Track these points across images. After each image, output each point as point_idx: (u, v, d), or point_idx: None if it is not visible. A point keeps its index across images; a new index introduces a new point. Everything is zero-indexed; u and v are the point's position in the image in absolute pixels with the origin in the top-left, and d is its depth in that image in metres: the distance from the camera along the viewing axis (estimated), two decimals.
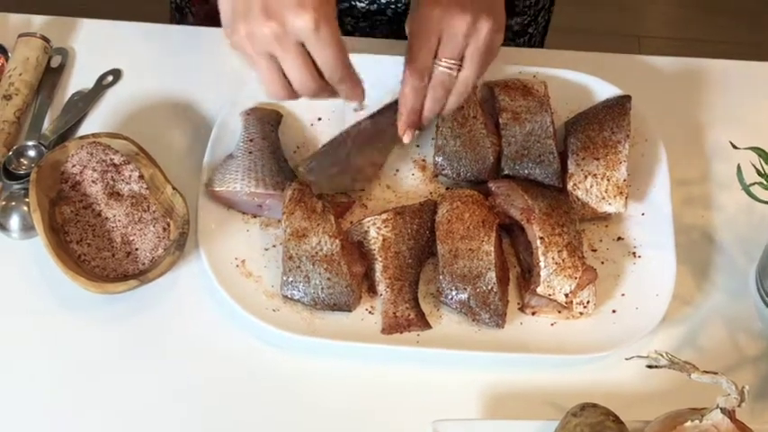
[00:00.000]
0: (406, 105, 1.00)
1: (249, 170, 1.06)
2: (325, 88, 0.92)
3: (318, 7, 0.86)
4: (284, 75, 0.90)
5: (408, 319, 1.00)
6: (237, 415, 0.97)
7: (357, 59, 0.94)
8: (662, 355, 0.87)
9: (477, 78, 1.00)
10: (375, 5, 1.24)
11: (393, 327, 1.00)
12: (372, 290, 1.03)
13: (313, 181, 1.05)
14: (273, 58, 0.89)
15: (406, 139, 1.02)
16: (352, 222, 1.06)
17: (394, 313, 1.00)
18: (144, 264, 1.03)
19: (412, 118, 1.01)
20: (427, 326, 1.00)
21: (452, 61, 0.97)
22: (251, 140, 1.09)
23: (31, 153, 1.10)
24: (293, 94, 0.92)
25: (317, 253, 1.00)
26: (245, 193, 1.05)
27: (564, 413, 0.89)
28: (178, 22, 1.38)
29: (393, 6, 1.24)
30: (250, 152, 1.08)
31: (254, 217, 1.07)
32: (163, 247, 1.04)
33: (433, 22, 0.96)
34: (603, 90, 1.15)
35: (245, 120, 1.11)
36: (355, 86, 0.94)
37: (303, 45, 0.88)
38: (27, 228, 1.05)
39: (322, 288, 0.99)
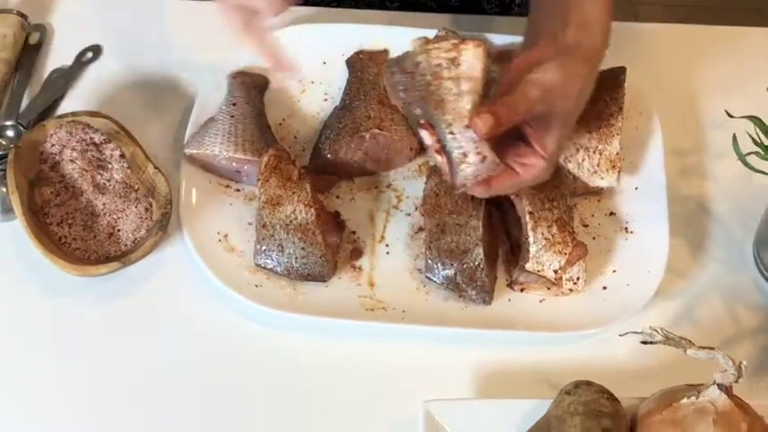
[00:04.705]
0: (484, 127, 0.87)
1: (229, 134, 1.04)
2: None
3: None
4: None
5: None
6: (223, 393, 0.95)
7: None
8: (657, 331, 0.86)
9: None
10: None
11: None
12: (355, 256, 1.00)
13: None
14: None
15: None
16: (338, 196, 1.04)
17: None
18: (126, 245, 1.01)
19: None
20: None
21: None
22: (234, 104, 1.07)
23: (9, 133, 1.08)
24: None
25: (291, 222, 0.98)
26: (224, 158, 1.03)
27: (557, 391, 0.88)
28: None
29: None
30: (232, 116, 1.06)
31: (238, 191, 1.05)
32: (145, 228, 1.02)
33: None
34: None
35: (230, 83, 1.09)
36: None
37: None
38: (6, 210, 1.03)
39: (296, 258, 0.97)
